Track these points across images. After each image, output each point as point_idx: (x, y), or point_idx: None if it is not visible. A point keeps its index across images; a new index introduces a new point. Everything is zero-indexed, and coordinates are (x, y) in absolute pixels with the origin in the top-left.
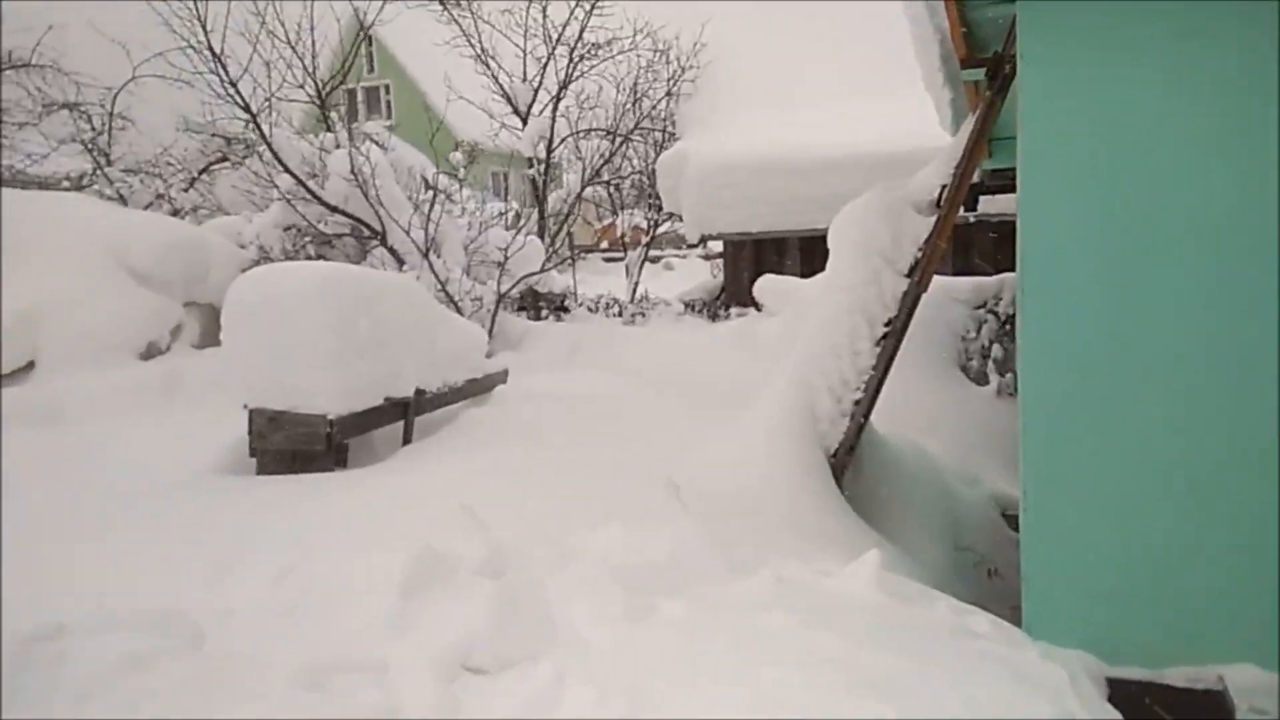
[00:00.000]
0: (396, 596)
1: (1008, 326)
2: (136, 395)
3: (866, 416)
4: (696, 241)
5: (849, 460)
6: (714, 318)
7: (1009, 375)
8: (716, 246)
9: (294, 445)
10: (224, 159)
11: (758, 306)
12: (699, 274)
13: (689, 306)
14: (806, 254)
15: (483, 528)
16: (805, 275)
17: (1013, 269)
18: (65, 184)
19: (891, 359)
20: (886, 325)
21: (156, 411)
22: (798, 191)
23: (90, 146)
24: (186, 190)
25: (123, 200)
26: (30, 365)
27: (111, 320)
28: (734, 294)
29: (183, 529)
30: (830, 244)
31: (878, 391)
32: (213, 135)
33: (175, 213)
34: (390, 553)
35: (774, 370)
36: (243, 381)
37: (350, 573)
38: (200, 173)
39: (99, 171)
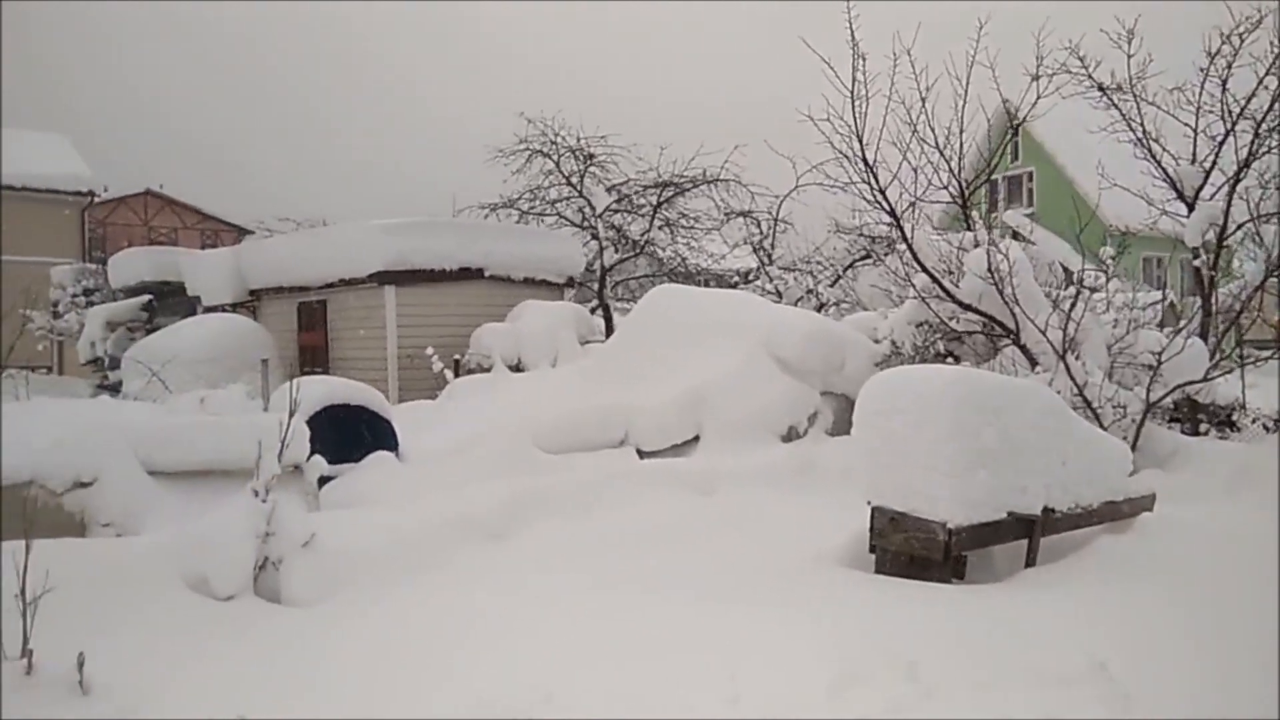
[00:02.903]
0: None
1: None
2: (774, 474)
3: None
4: None
5: None
6: None
7: None
8: None
9: (912, 549)
10: (867, 256)
11: None
12: None
13: None
14: None
15: (1114, 695)
16: None
17: None
18: (735, 279)
19: None
20: None
21: (790, 491)
22: None
23: (758, 247)
24: (832, 285)
25: (779, 295)
26: (696, 438)
27: (761, 404)
28: None
29: (796, 624)
30: None
31: None
32: (860, 235)
33: (820, 306)
34: None
35: None
36: (868, 478)
37: None
38: (845, 270)
39: (763, 269)
